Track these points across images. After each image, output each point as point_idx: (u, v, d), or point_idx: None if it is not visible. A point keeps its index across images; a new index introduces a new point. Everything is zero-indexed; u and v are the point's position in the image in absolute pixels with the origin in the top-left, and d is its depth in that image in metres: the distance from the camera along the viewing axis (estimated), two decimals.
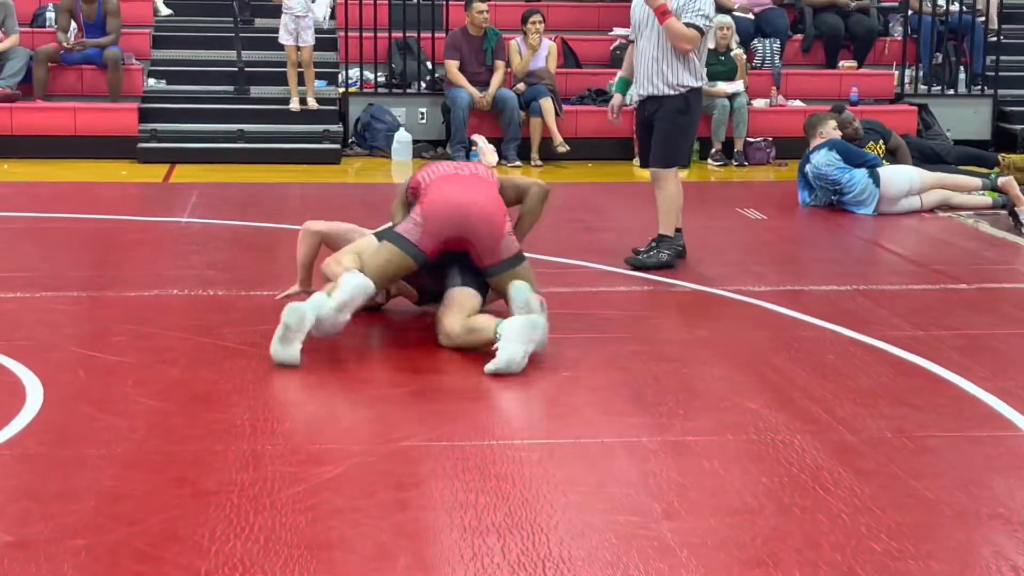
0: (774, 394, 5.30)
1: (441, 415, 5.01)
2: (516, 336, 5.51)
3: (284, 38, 12.61)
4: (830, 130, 10.24)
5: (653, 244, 7.87)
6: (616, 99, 8.26)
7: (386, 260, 5.92)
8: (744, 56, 13.32)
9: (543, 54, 13.10)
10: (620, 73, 8.38)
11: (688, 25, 7.65)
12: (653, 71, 7.77)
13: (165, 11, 14.46)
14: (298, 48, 12.62)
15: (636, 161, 12.70)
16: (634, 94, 8.09)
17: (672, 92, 7.77)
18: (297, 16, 12.54)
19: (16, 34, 12.85)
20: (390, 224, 6.20)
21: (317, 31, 12.98)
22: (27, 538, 3.77)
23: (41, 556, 3.65)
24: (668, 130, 7.84)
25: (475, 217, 5.92)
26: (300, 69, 12.72)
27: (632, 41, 8.10)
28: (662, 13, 7.60)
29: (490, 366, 5.46)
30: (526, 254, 6.17)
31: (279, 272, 7.28)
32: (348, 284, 5.69)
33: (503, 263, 5.96)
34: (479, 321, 5.79)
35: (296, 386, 5.42)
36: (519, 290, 5.82)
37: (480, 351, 5.63)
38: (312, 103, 12.74)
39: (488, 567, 3.64)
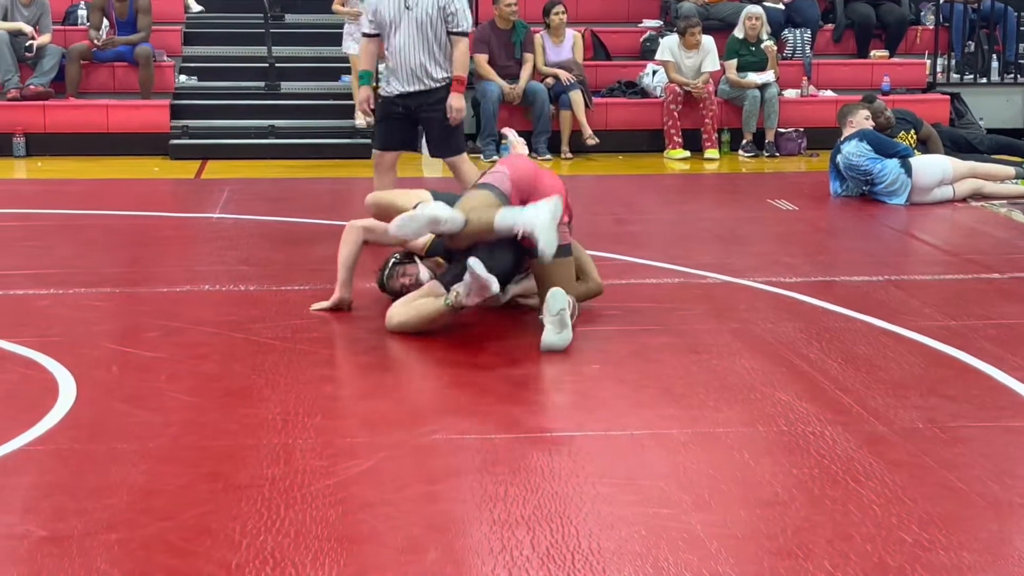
0: (805, 385, 5.28)
1: (471, 408, 5.03)
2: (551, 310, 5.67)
3: (350, 47, 12.52)
4: (862, 120, 10.18)
5: None
6: (364, 91, 8.33)
7: (483, 203, 5.95)
8: (775, 47, 13.27)
9: (568, 45, 13.08)
10: (362, 67, 8.38)
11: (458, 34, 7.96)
12: (416, 66, 7.91)
13: (196, 8, 14.52)
14: None
15: (668, 152, 12.72)
16: (387, 89, 8.08)
17: (438, 85, 7.97)
18: None
19: (50, 32, 12.92)
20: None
21: None
22: (61, 533, 3.81)
23: (75, 551, 3.68)
24: (446, 118, 8.04)
25: (548, 182, 6.09)
26: None
27: (374, 35, 8.11)
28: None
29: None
30: None
31: (311, 267, 7.31)
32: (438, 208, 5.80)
33: (563, 247, 5.95)
34: (423, 299, 5.93)
35: (327, 380, 5.44)
36: (556, 299, 5.74)
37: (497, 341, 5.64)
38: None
39: (518, 559, 3.65)
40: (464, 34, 8.02)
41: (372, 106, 8.35)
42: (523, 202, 5.99)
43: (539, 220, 5.74)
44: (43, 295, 6.73)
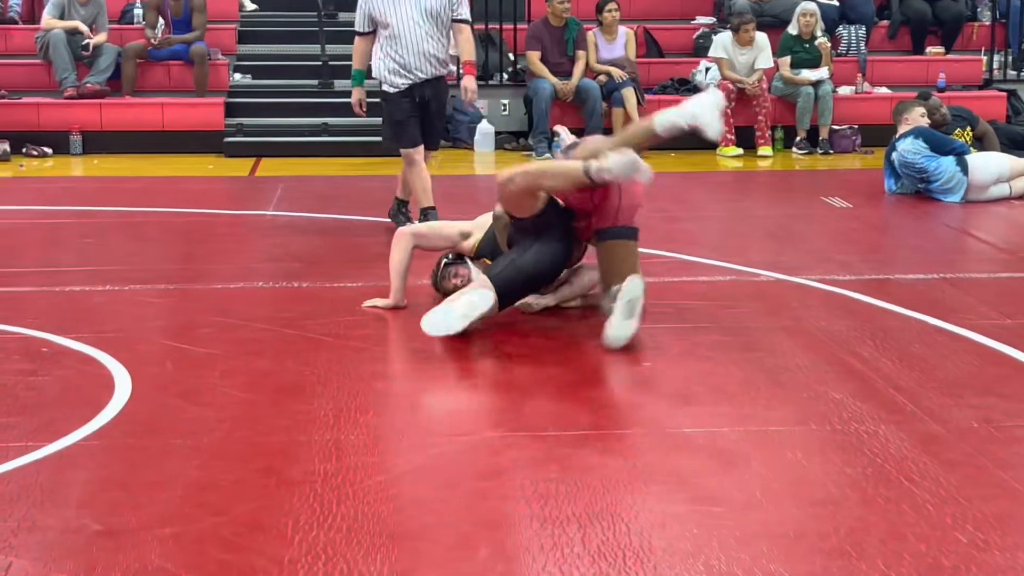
0: (859, 384, 5.25)
1: (522, 405, 5.03)
2: (465, 301, 5.68)
3: None
4: (917, 117, 10.10)
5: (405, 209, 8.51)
6: (358, 92, 8.32)
7: (563, 173, 5.94)
8: (829, 44, 13.19)
9: (620, 42, 13.06)
10: (356, 66, 8.31)
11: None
12: (429, 54, 8.03)
13: (250, 6, 14.61)
14: None
15: (721, 150, 12.67)
16: (398, 82, 8.08)
17: (443, 72, 8.21)
18: None
19: (106, 31, 13.04)
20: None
21: None
22: (116, 527, 3.84)
23: (129, 545, 3.72)
24: (445, 110, 8.44)
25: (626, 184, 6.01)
26: None
27: (368, 33, 8.14)
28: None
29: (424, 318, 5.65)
30: None
31: (363, 264, 7.34)
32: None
33: (624, 229, 5.94)
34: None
35: (378, 377, 5.46)
36: (634, 286, 5.70)
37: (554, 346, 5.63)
38: None
39: (568, 557, 3.65)
40: (468, 21, 8.21)
41: (365, 108, 8.35)
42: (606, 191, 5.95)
43: (702, 110, 5.83)
44: (99, 291, 6.79)
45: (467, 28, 8.21)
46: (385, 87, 8.15)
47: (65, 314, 6.34)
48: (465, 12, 8.17)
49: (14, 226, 8.95)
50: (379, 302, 6.38)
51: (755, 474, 4.28)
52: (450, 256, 6.40)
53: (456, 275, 6.33)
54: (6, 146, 12.10)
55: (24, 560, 3.62)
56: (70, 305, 6.55)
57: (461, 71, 8.32)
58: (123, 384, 5.19)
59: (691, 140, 12.67)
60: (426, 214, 8.11)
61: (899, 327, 6.16)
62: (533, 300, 6.22)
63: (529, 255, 5.92)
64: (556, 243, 5.98)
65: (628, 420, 4.90)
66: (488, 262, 6.30)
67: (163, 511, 3.96)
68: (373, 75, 8.21)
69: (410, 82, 8.07)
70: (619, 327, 5.65)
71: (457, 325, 5.62)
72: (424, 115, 8.23)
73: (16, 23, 13.80)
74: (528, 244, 5.95)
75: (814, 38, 13.08)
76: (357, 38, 8.25)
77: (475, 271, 6.26)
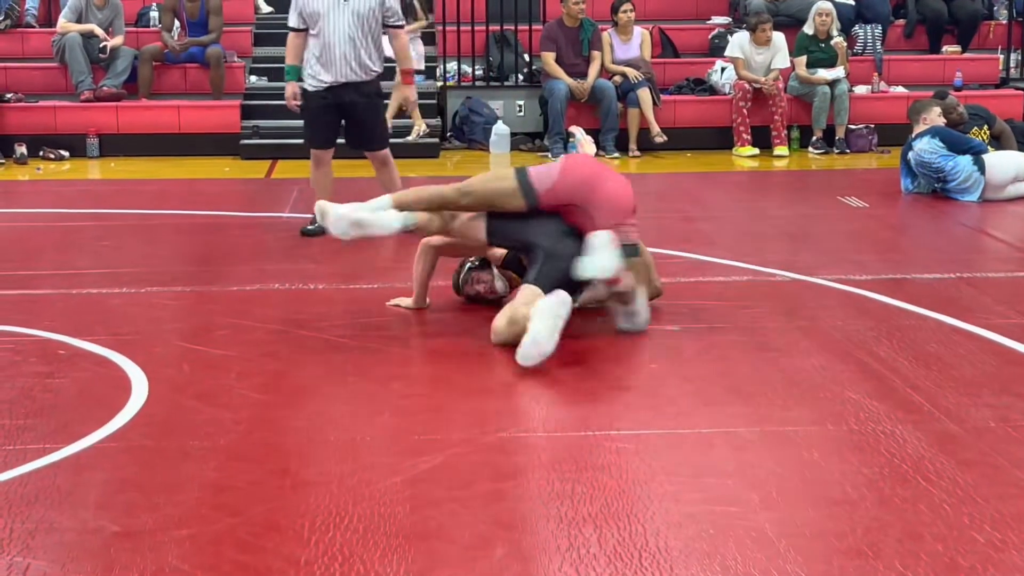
0: (875, 383, 5.24)
1: (537, 406, 5.03)
2: (542, 313, 5.45)
3: None
4: (935, 116, 10.08)
5: None
6: (292, 87, 8.24)
7: (496, 189, 5.99)
8: (844, 43, 13.16)
9: (636, 43, 13.05)
10: (290, 62, 8.28)
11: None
12: (352, 57, 8.00)
13: (266, 8, 14.65)
14: None
15: (737, 150, 12.65)
16: (315, 83, 8.10)
17: (370, 77, 8.15)
18: None
19: (122, 34, 13.08)
20: None
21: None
22: (133, 528, 3.85)
23: (146, 546, 3.73)
24: (379, 112, 8.41)
25: (605, 191, 5.92)
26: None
27: (302, 30, 8.12)
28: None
29: (518, 352, 5.42)
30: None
31: (378, 266, 7.35)
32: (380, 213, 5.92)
33: (626, 247, 5.89)
34: (520, 311, 5.65)
35: (394, 378, 5.46)
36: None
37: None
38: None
39: (584, 557, 3.65)
40: (401, 27, 8.27)
41: (299, 101, 8.30)
42: (570, 207, 5.92)
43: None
44: (116, 294, 6.81)
45: (403, 35, 8.27)
46: (305, 84, 8.22)
47: (82, 316, 6.35)
48: (398, 18, 8.19)
49: (31, 229, 8.98)
50: (403, 301, 6.39)
51: (771, 474, 4.28)
52: (475, 260, 6.40)
53: (479, 280, 6.35)
54: (23, 149, 12.16)
55: (42, 561, 3.63)
56: (87, 307, 6.57)
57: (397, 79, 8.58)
58: (140, 386, 5.20)
59: (708, 140, 12.84)
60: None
61: (916, 327, 6.14)
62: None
63: (548, 242, 5.88)
64: (558, 222, 5.97)
65: (644, 420, 4.89)
66: (514, 275, 6.29)
67: (180, 512, 3.97)
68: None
69: (328, 84, 8.09)
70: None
71: (550, 346, 5.44)
72: (351, 119, 8.26)
73: (33, 26, 13.85)
74: (538, 238, 5.92)
75: (830, 37, 13.06)
76: (290, 34, 8.24)
77: (499, 279, 6.28)
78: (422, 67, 13.00)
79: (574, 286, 5.82)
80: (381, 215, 5.98)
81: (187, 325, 6.33)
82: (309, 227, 8.22)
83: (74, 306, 6.60)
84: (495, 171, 6.31)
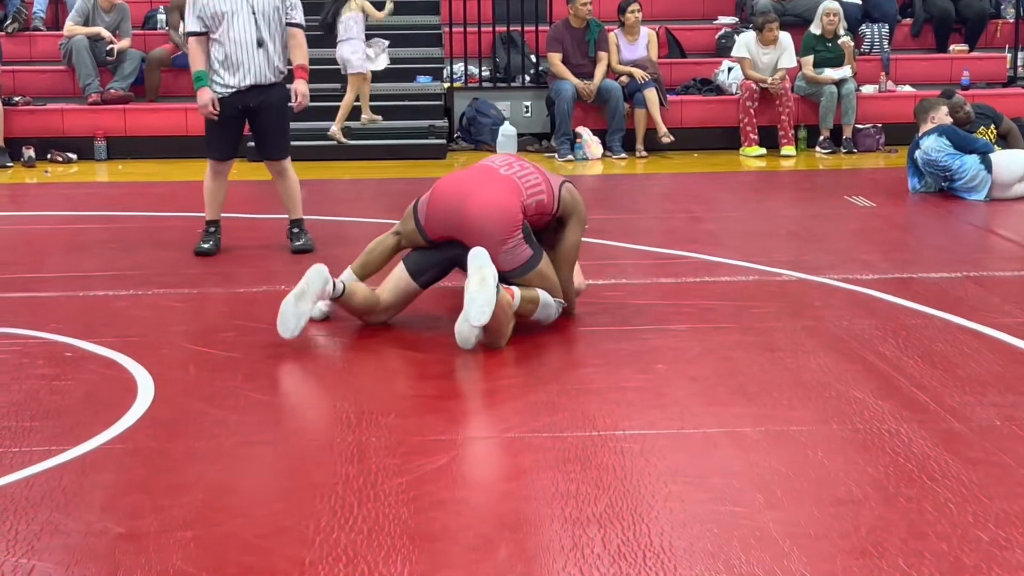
0: (880, 383, 5.24)
1: (543, 406, 5.03)
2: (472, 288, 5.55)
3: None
4: (942, 116, 10.07)
5: (300, 230, 8.12)
6: (206, 93, 7.80)
7: (409, 232, 6.12)
8: (852, 43, 13.14)
9: (643, 43, 13.06)
10: (198, 67, 7.85)
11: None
12: (260, 60, 7.78)
13: None
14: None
15: (744, 150, 12.65)
16: (221, 88, 7.82)
17: (276, 80, 7.88)
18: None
19: (129, 37, 13.10)
20: None
21: (424, 27, 13.06)
22: (138, 530, 3.86)
23: (151, 548, 3.73)
24: (285, 119, 8.03)
25: (470, 218, 5.89)
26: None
27: (203, 34, 7.78)
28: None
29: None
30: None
31: (385, 269, 7.33)
32: (305, 275, 5.84)
33: (512, 272, 5.88)
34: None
35: (400, 378, 5.47)
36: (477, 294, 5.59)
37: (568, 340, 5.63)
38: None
39: (588, 557, 3.65)
40: (301, 26, 8.02)
41: (217, 108, 7.86)
42: (448, 232, 5.95)
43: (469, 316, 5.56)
44: (122, 296, 6.83)
45: (300, 32, 8.01)
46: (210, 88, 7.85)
47: (88, 319, 6.37)
48: (299, 16, 7.97)
49: (39, 231, 9.00)
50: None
51: (777, 474, 4.28)
52: None
53: None
54: (31, 152, 12.19)
55: (47, 563, 3.64)
56: (94, 310, 6.58)
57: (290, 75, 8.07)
58: (146, 388, 5.21)
59: (715, 140, 12.83)
60: (208, 227, 8.05)
61: (922, 326, 6.14)
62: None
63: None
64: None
65: (649, 420, 4.89)
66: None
67: (185, 514, 3.98)
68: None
69: (233, 89, 7.79)
70: (470, 301, 5.53)
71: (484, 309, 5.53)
72: (255, 124, 8.01)
73: (40, 29, 13.88)
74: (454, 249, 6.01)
75: (837, 37, 13.05)
76: (191, 40, 7.83)
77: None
78: (381, 67, 12.85)
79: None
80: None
81: (194, 327, 6.35)
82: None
83: (81, 308, 6.61)
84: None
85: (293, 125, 12.48)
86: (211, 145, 8.04)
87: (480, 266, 5.59)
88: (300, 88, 7.94)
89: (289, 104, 7.96)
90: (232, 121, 7.92)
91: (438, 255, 6.07)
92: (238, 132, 8.00)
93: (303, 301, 5.75)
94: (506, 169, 6.10)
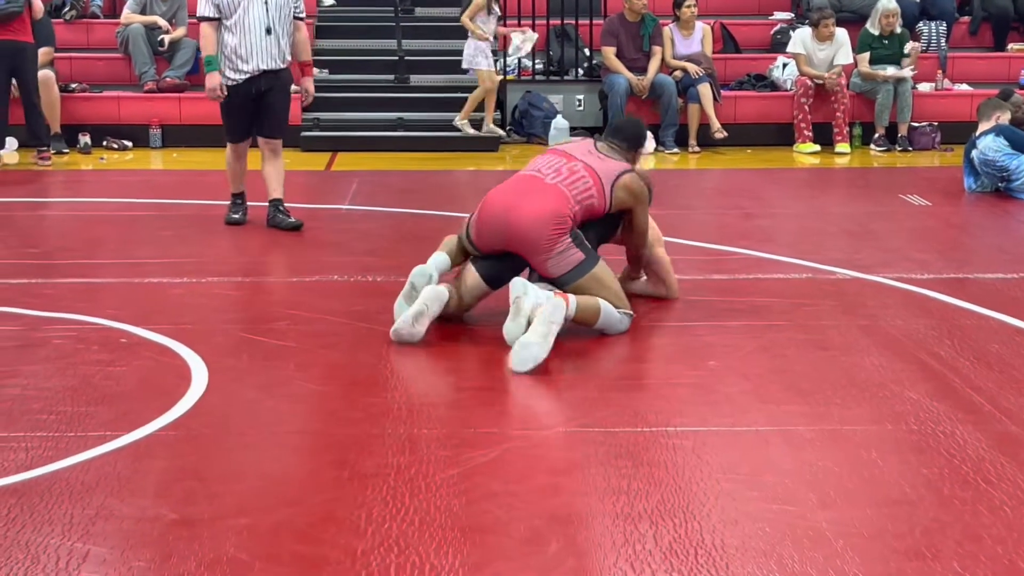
0: (935, 383, 5.19)
1: (594, 401, 5.02)
2: (539, 319, 5.46)
3: (480, 63, 12.47)
4: (1007, 117, 10.00)
5: (282, 208, 8.46)
6: (217, 77, 8.17)
7: (463, 243, 6.05)
8: (918, 48, 12.99)
9: (697, 38, 13.00)
10: (210, 52, 8.23)
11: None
12: (272, 47, 8.17)
13: (328, 1, 14.70)
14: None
15: (798, 146, 12.57)
16: (236, 74, 8.18)
17: (285, 66, 8.32)
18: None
19: (185, 26, 13.17)
20: None
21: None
22: (191, 516, 3.88)
23: (205, 534, 3.76)
24: (289, 101, 8.55)
25: (513, 231, 5.83)
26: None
27: (215, 19, 8.15)
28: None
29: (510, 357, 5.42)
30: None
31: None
32: (423, 295, 5.74)
33: (562, 277, 5.81)
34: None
35: (452, 371, 5.48)
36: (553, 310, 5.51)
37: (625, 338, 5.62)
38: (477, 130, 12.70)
39: (640, 553, 3.64)
40: (304, 19, 8.45)
41: (225, 93, 8.26)
42: (498, 246, 5.90)
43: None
44: (177, 283, 6.87)
45: (304, 27, 8.44)
46: (223, 77, 8.23)
47: (143, 305, 6.41)
48: (304, 10, 8.37)
49: (94, 218, 9.07)
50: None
51: (830, 473, 4.25)
52: None
53: None
54: (87, 139, 12.28)
55: (102, 548, 3.67)
56: (148, 297, 6.63)
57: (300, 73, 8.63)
58: (200, 375, 5.24)
59: (768, 137, 12.76)
60: (235, 199, 8.58)
61: (977, 326, 6.08)
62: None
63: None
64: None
65: (701, 417, 4.87)
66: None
67: (238, 502, 4.00)
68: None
69: (247, 75, 8.20)
70: (521, 347, 5.38)
71: (541, 352, 5.38)
72: (260, 105, 8.33)
73: (98, 17, 13.99)
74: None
75: (894, 34, 12.95)
76: (204, 24, 8.24)
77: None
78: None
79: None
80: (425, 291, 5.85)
81: (247, 315, 6.38)
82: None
83: (136, 295, 6.66)
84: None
85: (340, 116, 12.70)
86: (230, 128, 8.47)
87: (516, 296, 5.59)
88: (308, 86, 8.56)
89: (294, 89, 8.52)
90: (247, 104, 8.31)
91: (506, 260, 5.97)
92: (253, 114, 8.39)
93: (419, 323, 5.70)
94: (553, 177, 5.98)
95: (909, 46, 12.91)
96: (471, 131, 12.52)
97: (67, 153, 12.10)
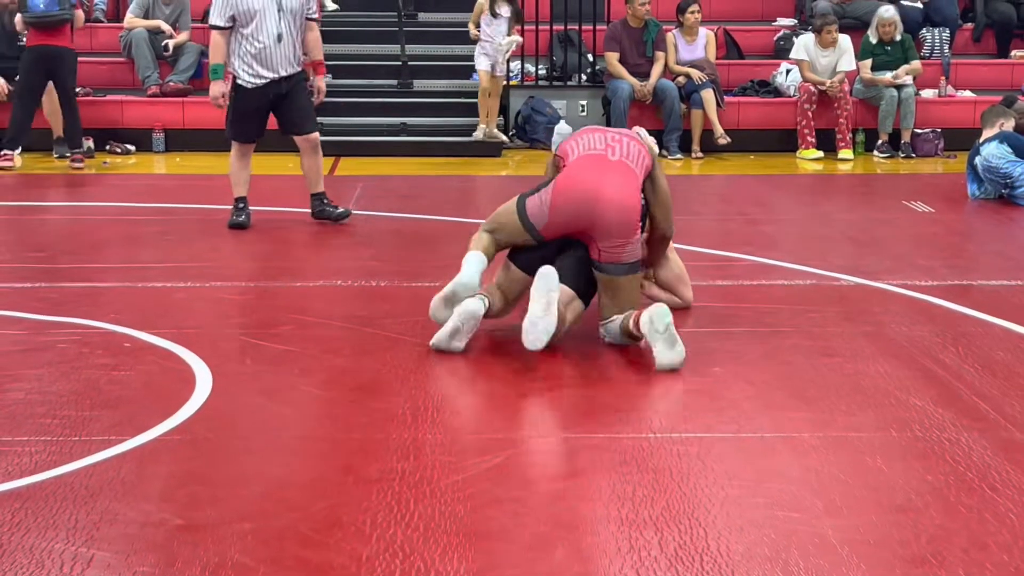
0: (940, 390, 5.19)
1: (600, 407, 5.02)
2: (533, 294, 5.49)
3: (482, 63, 12.55)
4: (1011, 124, 10.00)
5: (328, 199, 8.73)
6: (221, 86, 8.42)
7: (509, 234, 5.87)
8: (919, 68, 12.98)
9: (700, 44, 13.00)
10: (217, 60, 8.44)
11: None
12: (290, 52, 8.40)
13: (331, 6, 14.70)
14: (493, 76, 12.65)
15: (801, 152, 12.57)
16: (255, 80, 8.35)
17: (301, 68, 8.61)
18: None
19: (188, 30, 13.18)
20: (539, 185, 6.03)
21: None
22: (196, 521, 3.88)
23: (209, 539, 3.75)
24: (308, 95, 8.71)
25: (604, 214, 5.69)
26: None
27: (227, 28, 8.33)
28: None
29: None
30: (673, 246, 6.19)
31: (441, 264, 7.34)
32: (458, 312, 5.66)
33: (621, 266, 5.74)
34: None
35: (456, 376, 5.47)
36: (661, 316, 5.44)
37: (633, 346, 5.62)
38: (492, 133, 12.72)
39: (645, 560, 3.64)
40: (316, 19, 8.66)
41: (227, 100, 8.46)
42: (572, 234, 5.79)
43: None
44: (181, 288, 6.86)
45: (316, 26, 8.64)
46: (240, 82, 8.41)
47: (147, 310, 6.41)
48: (315, 11, 8.57)
49: (97, 222, 9.07)
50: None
51: (835, 480, 4.25)
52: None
53: None
54: (90, 143, 12.27)
55: (106, 553, 3.67)
56: (152, 301, 6.62)
57: (312, 71, 8.83)
58: (204, 380, 5.24)
59: (772, 142, 12.76)
60: (238, 203, 8.61)
61: (981, 333, 6.08)
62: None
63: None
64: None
65: (706, 424, 4.87)
66: None
67: (243, 506, 4.00)
68: (228, 69, 8.52)
69: (267, 80, 8.36)
70: (668, 357, 5.41)
71: (547, 322, 5.45)
72: (283, 107, 8.53)
73: (101, 21, 13.99)
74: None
75: (895, 41, 12.94)
76: (215, 32, 8.41)
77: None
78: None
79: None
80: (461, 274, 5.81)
81: (251, 320, 6.38)
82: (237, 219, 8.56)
83: (139, 299, 6.66)
84: (505, 206, 5.98)
85: (343, 121, 12.70)
86: (239, 130, 8.59)
87: (548, 289, 5.51)
88: (321, 84, 8.77)
89: (307, 81, 8.68)
90: (263, 107, 8.50)
91: (548, 249, 5.85)
92: (266, 117, 8.58)
93: (457, 340, 5.66)
94: (613, 153, 5.87)
95: (914, 63, 12.87)
96: (496, 132, 12.54)
97: (67, 158, 12.07)
